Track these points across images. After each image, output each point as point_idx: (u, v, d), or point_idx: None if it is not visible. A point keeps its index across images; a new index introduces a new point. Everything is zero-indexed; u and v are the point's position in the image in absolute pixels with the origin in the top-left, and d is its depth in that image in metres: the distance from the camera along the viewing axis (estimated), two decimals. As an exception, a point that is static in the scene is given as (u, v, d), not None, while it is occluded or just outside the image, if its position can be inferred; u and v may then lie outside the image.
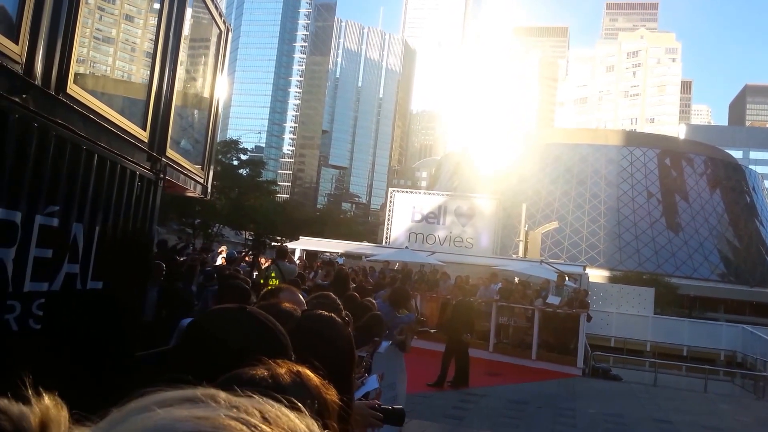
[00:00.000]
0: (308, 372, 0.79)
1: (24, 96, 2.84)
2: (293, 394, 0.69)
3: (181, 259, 8.18)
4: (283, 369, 0.77)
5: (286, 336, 1.15)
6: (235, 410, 0.45)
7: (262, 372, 0.75)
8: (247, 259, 10.73)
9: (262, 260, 11.91)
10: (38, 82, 2.91)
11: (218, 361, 0.84)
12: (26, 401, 0.50)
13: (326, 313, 1.69)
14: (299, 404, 0.55)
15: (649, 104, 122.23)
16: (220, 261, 10.83)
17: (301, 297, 2.48)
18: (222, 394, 0.49)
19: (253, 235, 36.03)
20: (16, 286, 2.88)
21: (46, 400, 0.51)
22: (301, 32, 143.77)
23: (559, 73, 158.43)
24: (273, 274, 7.55)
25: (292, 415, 0.49)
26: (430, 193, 27.04)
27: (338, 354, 1.43)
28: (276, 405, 0.50)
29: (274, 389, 0.69)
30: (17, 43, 2.70)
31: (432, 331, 12.55)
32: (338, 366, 1.41)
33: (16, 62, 2.73)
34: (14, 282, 2.86)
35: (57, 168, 3.11)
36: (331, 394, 0.79)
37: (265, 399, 0.50)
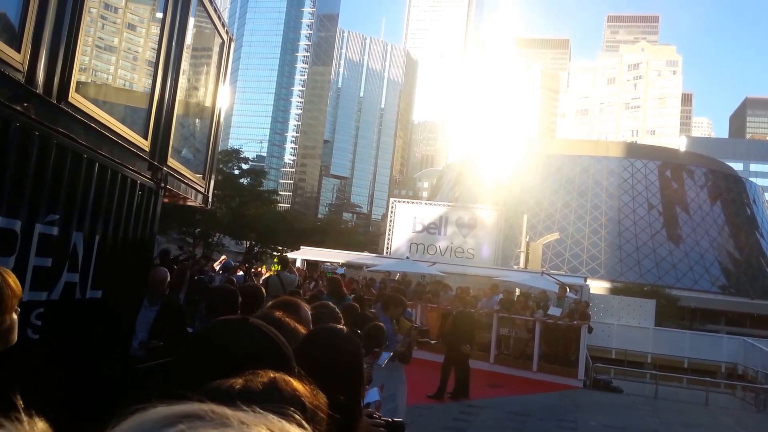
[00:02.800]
0: (286, 378, 0.79)
1: (25, 104, 2.84)
2: (263, 401, 0.71)
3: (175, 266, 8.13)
4: (259, 377, 0.77)
5: (289, 348, 1.14)
6: (248, 427, 0.46)
7: (233, 381, 0.76)
8: (244, 267, 10.70)
9: (262, 270, 11.89)
10: (40, 90, 2.91)
11: (221, 373, 0.82)
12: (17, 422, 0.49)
13: (335, 325, 1.70)
14: (298, 418, 0.55)
15: (650, 116, 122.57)
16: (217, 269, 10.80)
17: (309, 315, 2.46)
18: (228, 411, 0.48)
19: (252, 243, 36.00)
20: (14, 294, 2.86)
21: (38, 424, 0.50)
22: (303, 42, 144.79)
23: (560, 85, 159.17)
24: (276, 260, 7.41)
25: (294, 429, 0.49)
26: (431, 204, 27.07)
27: (349, 366, 1.45)
28: (279, 420, 0.50)
29: (243, 398, 0.70)
30: (19, 51, 2.70)
31: (433, 342, 12.47)
32: (349, 378, 1.41)
33: (18, 70, 2.73)
34: (12, 291, 2.84)
35: (57, 177, 3.11)
36: (319, 400, 0.79)
37: (265, 414, 0.50)
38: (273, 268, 18.87)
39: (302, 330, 1.73)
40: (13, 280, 1.58)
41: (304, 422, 0.56)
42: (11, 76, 2.69)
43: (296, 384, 0.79)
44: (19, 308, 1.70)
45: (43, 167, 2.98)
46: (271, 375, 0.78)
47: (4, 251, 2.81)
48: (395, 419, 2.12)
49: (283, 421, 0.50)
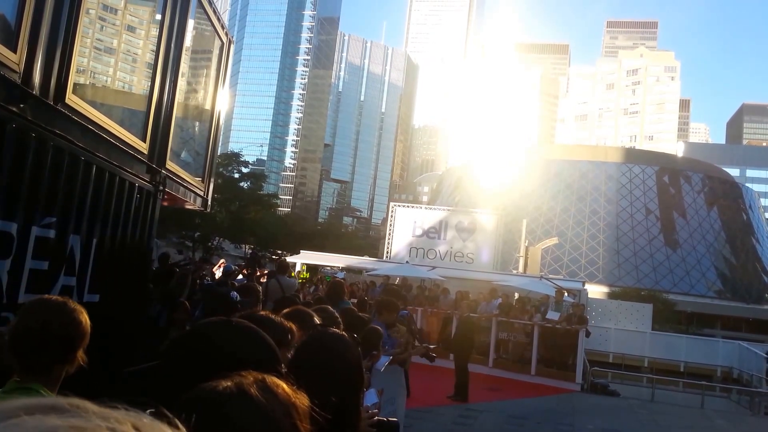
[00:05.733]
0: (275, 379, 0.79)
1: (22, 105, 2.82)
2: (260, 401, 0.72)
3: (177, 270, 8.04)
4: (250, 378, 0.77)
5: (273, 345, 1.14)
6: (106, 421, 0.44)
7: (226, 383, 0.76)
8: (244, 272, 10.64)
9: (259, 274, 11.81)
10: (36, 91, 2.89)
11: (205, 374, 0.82)
12: None
13: (336, 330, 1.70)
14: (176, 421, 0.54)
15: (648, 122, 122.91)
16: (218, 274, 10.72)
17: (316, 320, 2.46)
18: (90, 405, 0.46)
19: (252, 248, 35.95)
20: (10, 297, 2.84)
21: None
22: (304, 45, 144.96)
23: (560, 90, 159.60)
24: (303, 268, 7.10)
25: (165, 428, 0.47)
26: (431, 208, 27.03)
27: (348, 370, 1.46)
28: (149, 418, 0.47)
29: (239, 398, 0.72)
30: (15, 52, 2.68)
31: (432, 346, 12.44)
32: (349, 382, 1.43)
33: (14, 71, 2.71)
34: (9, 294, 2.82)
35: (54, 179, 3.08)
36: (301, 399, 0.80)
37: (136, 412, 0.48)
38: (302, 275, 18.12)
39: (294, 328, 1.71)
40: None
41: (178, 422, 0.54)
42: (7, 76, 2.67)
43: (285, 385, 0.79)
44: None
45: (39, 169, 2.96)
46: (261, 377, 0.78)
47: (0, 254, 2.79)
48: (390, 419, 2.12)
49: (156, 421, 0.47)
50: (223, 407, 0.72)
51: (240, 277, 9.99)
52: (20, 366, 1.69)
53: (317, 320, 2.44)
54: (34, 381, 1.67)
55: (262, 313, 1.83)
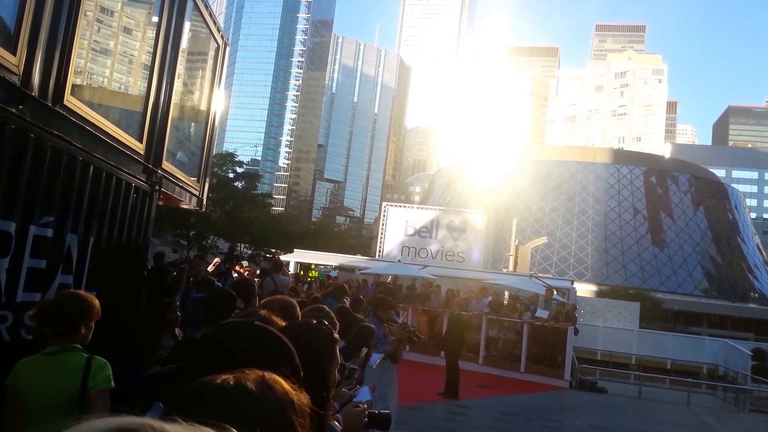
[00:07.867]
0: (274, 377, 0.81)
1: (21, 107, 2.86)
2: (256, 395, 0.75)
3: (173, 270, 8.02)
4: (249, 375, 0.79)
5: (292, 348, 1.14)
6: None
7: (224, 377, 0.77)
8: (236, 268, 10.61)
9: (239, 269, 11.75)
10: (35, 93, 2.94)
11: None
12: None
13: (305, 321, 1.69)
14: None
15: (636, 123, 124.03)
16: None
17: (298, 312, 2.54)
18: (167, 426, 0.49)
19: (232, 244, 35.86)
20: (8, 296, 2.88)
21: None
22: (298, 47, 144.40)
23: (549, 92, 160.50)
24: (312, 266, 7.11)
25: None
26: (423, 208, 27.14)
27: (310, 352, 1.42)
28: None
29: (235, 392, 0.74)
30: (15, 54, 2.73)
31: (422, 338, 12.55)
32: (312, 364, 1.42)
33: (14, 73, 2.75)
34: (7, 292, 2.86)
35: (52, 179, 3.12)
36: (303, 398, 0.81)
37: (204, 429, 0.51)
38: (311, 274, 18.52)
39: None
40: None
41: None
42: (7, 78, 2.71)
43: (284, 383, 0.81)
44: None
45: (38, 169, 3.00)
46: (260, 373, 0.80)
47: None
48: (381, 411, 2.17)
49: None
50: (219, 400, 0.73)
51: (235, 274, 9.97)
52: (50, 333, 2.39)
53: (295, 305, 2.52)
54: (69, 344, 2.40)
55: (262, 312, 1.87)
